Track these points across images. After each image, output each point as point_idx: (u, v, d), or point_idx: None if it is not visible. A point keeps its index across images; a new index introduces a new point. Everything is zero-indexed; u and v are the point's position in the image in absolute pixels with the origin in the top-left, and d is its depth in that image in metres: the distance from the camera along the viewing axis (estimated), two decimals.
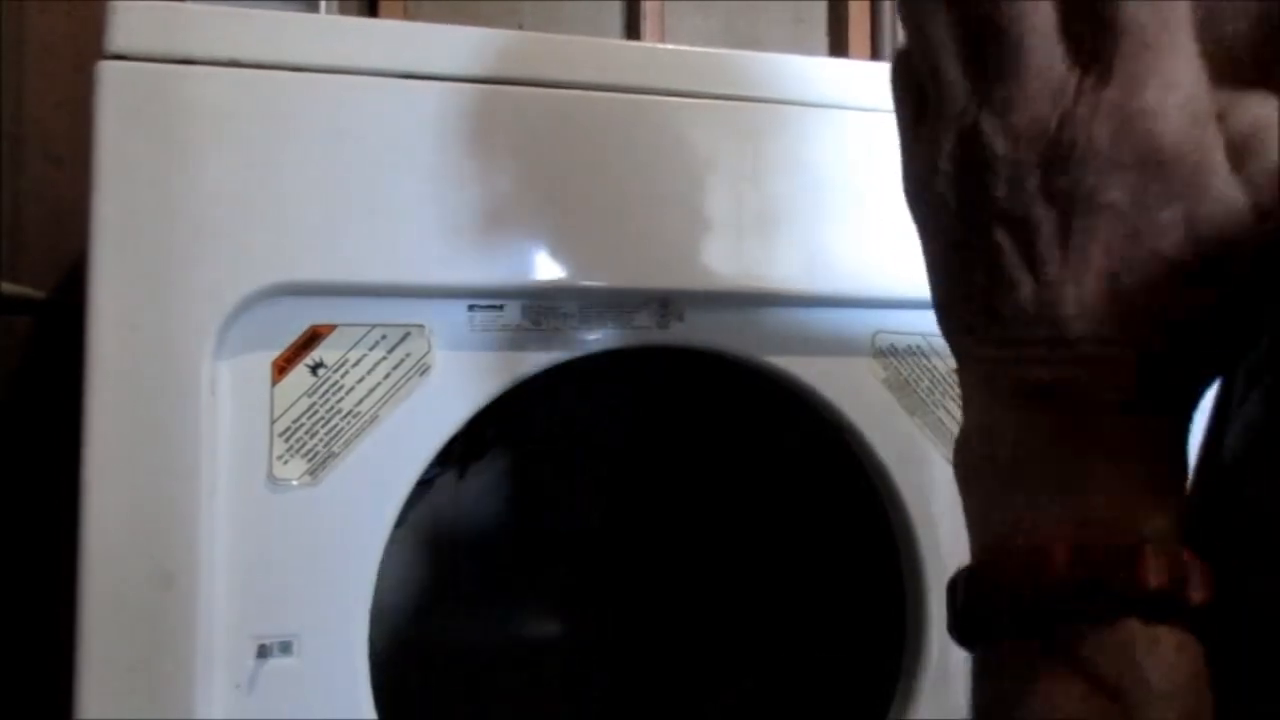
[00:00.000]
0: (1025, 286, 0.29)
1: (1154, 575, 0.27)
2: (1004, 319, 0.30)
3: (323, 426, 0.62)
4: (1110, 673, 0.27)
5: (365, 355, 0.63)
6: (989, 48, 0.29)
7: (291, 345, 0.62)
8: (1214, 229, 0.27)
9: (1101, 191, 0.28)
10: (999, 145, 0.29)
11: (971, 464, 0.31)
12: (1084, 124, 0.28)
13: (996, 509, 0.30)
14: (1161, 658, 0.27)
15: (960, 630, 0.30)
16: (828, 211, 0.68)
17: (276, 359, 0.62)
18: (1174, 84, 0.27)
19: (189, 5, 0.60)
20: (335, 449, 0.62)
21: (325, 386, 0.62)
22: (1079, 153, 0.28)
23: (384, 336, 0.64)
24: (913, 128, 0.32)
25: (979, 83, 0.29)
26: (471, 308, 0.66)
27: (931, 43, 0.30)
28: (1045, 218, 0.29)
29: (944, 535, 0.73)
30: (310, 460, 0.62)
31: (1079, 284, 0.28)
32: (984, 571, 0.30)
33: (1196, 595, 0.27)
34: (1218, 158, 0.27)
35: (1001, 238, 0.29)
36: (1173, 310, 0.28)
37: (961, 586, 0.30)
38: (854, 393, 0.71)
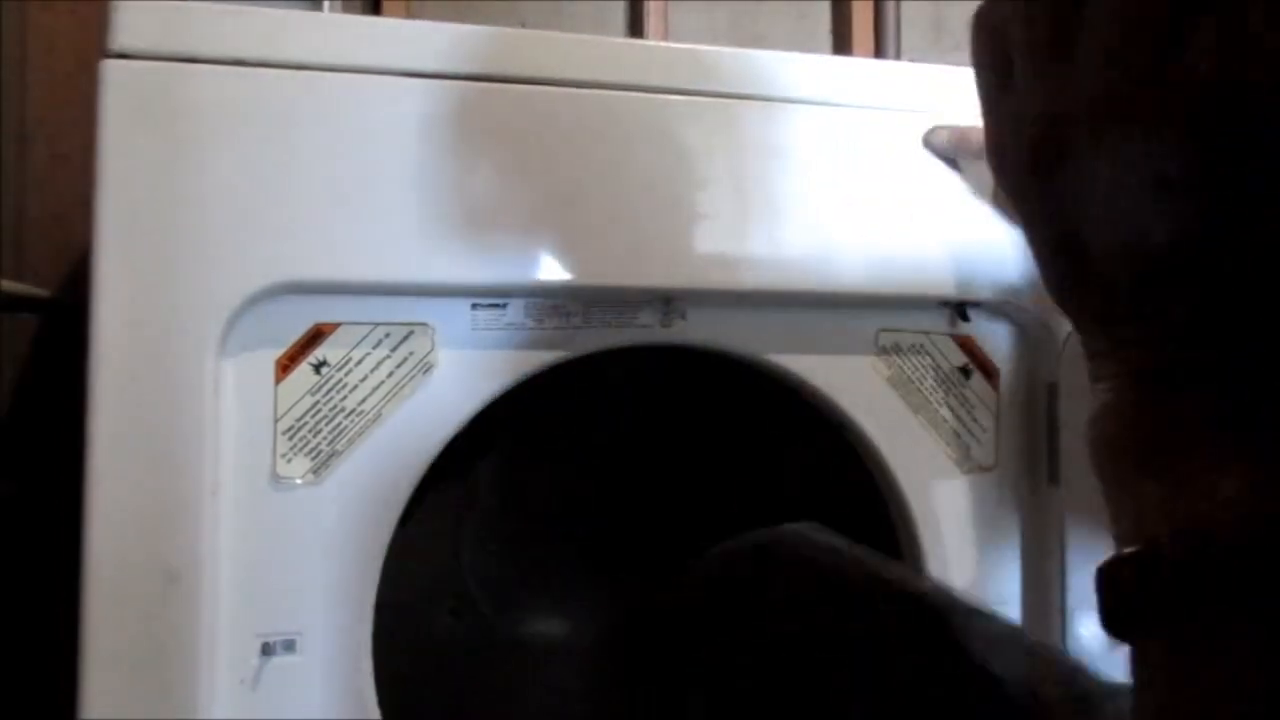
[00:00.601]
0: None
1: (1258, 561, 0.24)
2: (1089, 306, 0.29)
3: (326, 425, 0.62)
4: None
5: (368, 354, 0.63)
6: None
7: (295, 344, 0.62)
8: None
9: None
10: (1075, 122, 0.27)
11: (1101, 445, 0.29)
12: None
13: (1128, 496, 0.28)
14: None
15: (1112, 625, 0.28)
16: (831, 210, 0.68)
17: (280, 357, 0.62)
18: None
19: (192, 4, 0.60)
20: (338, 447, 0.63)
21: (328, 385, 0.63)
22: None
23: (387, 335, 0.64)
24: (997, 93, 0.30)
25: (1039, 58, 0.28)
26: (474, 306, 0.66)
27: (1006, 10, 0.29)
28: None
29: (946, 533, 0.73)
30: (313, 459, 0.62)
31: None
32: (1127, 563, 0.27)
33: None
34: None
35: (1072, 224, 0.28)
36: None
37: (1106, 578, 0.28)
38: (857, 391, 0.71)
